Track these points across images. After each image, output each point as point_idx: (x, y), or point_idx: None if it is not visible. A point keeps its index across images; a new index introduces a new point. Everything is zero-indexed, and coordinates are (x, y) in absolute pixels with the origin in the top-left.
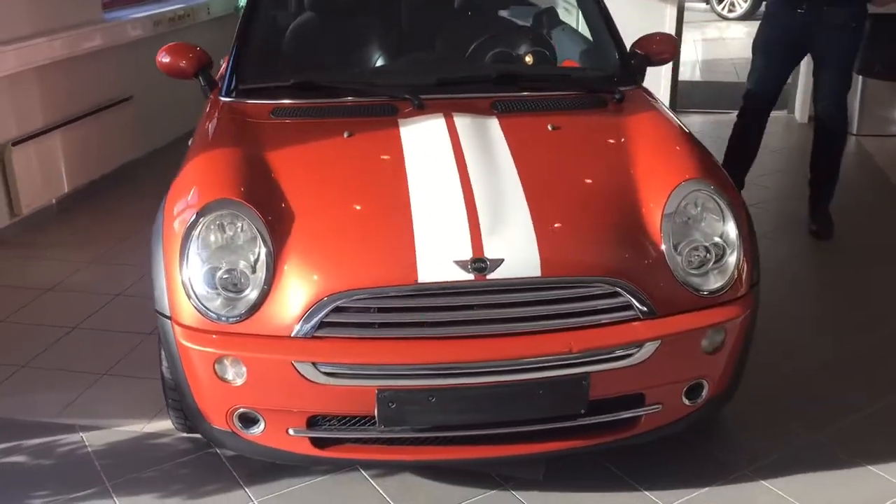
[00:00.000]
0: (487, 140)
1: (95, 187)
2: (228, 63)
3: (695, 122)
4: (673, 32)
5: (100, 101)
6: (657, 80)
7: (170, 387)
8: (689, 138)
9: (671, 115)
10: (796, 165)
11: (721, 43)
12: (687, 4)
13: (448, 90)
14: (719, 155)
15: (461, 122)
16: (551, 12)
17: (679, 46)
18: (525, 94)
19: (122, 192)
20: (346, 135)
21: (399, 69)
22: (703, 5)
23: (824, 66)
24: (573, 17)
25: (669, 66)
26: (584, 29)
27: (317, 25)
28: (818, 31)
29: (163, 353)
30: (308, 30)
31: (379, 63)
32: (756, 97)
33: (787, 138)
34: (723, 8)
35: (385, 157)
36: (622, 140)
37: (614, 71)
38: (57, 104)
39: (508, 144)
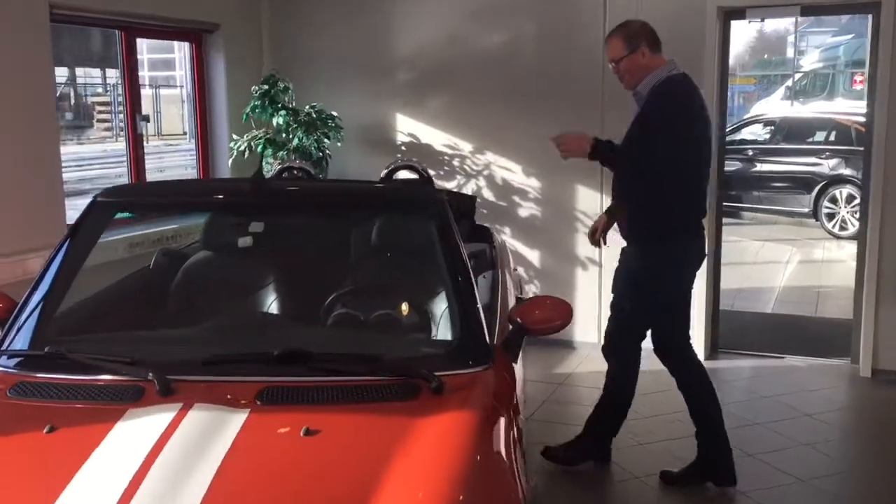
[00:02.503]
0: (203, 451)
1: None
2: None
3: (741, 368)
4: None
5: None
6: (695, 316)
7: None
8: (471, 462)
9: (488, 415)
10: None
11: (818, 267)
12: (799, 220)
13: (220, 370)
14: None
15: (192, 419)
16: None
17: (572, 313)
18: (311, 379)
19: None
20: (46, 429)
21: (176, 341)
22: (814, 221)
23: None
24: None
25: (704, 297)
26: None
27: (130, 284)
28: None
29: None
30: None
31: (172, 332)
32: None
33: (836, 396)
34: (833, 225)
35: (60, 467)
36: (383, 457)
37: (448, 352)
38: None
39: (225, 460)
